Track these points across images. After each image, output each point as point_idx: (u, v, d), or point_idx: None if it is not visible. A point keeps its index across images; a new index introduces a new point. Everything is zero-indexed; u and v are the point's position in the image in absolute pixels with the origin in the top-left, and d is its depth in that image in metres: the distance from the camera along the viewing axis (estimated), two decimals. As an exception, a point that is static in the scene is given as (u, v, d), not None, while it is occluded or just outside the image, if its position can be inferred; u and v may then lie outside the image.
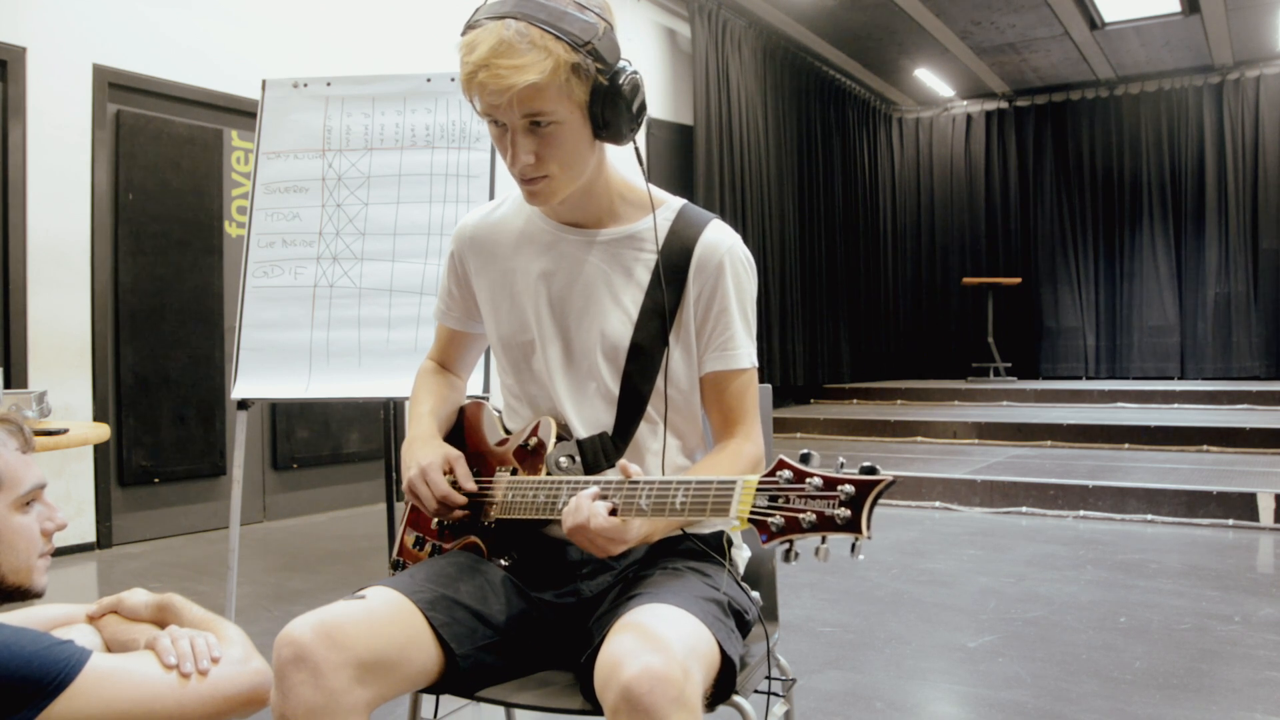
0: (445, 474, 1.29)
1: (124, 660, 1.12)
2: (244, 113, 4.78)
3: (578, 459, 1.29)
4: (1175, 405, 7.77)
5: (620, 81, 1.18)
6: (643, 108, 1.22)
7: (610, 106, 1.19)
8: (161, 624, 1.23)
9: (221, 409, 4.78)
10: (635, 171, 1.34)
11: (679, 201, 1.36)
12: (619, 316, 1.31)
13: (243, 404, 2.79)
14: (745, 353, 1.32)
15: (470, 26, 1.16)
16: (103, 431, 2.65)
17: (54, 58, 4.19)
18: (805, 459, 0.96)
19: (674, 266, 1.29)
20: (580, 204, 1.31)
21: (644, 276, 1.30)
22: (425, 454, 1.30)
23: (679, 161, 7.65)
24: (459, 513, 1.29)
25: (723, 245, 1.31)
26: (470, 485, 1.29)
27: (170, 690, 1.09)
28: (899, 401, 8.89)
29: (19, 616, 1.24)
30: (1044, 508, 4.92)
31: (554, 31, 1.13)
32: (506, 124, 1.18)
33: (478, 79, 1.13)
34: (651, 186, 1.32)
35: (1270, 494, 4.47)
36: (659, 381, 1.30)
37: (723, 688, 1.12)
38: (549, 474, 1.27)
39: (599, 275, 1.31)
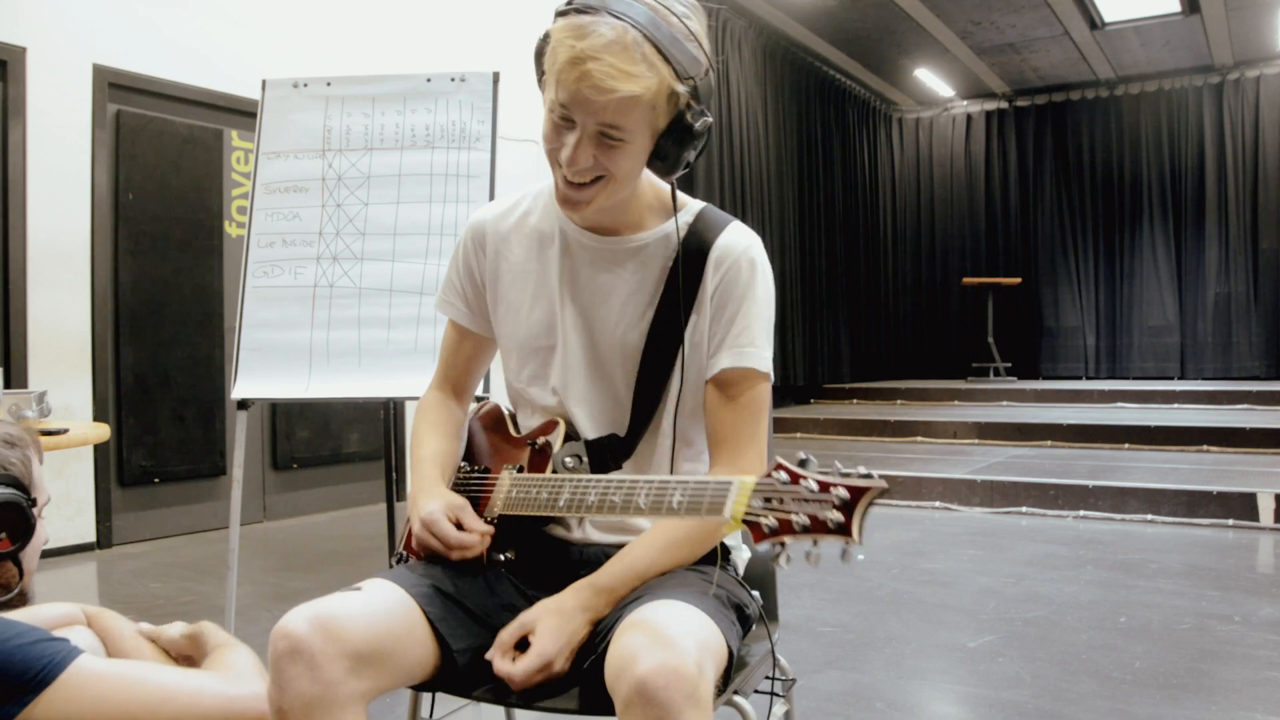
0: (452, 522, 1.24)
1: (116, 663, 1.11)
2: (244, 113, 4.78)
3: (585, 459, 1.29)
4: (1175, 405, 7.77)
5: (698, 124, 1.17)
6: (701, 150, 1.21)
7: (678, 143, 1.18)
8: (194, 654, 1.25)
9: (221, 409, 4.78)
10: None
11: (699, 204, 1.34)
12: (636, 321, 1.30)
13: (243, 404, 2.79)
14: (759, 354, 1.28)
15: (580, 10, 1.12)
16: (103, 431, 2.65)
17: (54, 58, 4.19)
18: (803, 463, 0.96)
19: (691, 267, 1.28)
20: (612, 213, 1.29)
21: (662, 280, 1.29)
22: (426, 505, 1.24)
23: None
24: (477, 551, 1.24)
25: (739, 246, 1.29)
26: (479, 527, 1.23)
27: (163, 700, 1.07)
28: (899, 401, 8.88)
29: (16, 617, 1.24)
30: (1044, 508, 4.92)
31: (666, 54, 1.12)
32: (576, 122, 1.15)
33: (585, 67, 1.09)
34: (677, 192, 1.31)
35: (1270, 494, 4.47)
36: (672, 385, 1.29)
37: (723, 682, 1.12)
38: (554, 473, 1.27)
39: (621, 282, 1.30)
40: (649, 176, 1.31)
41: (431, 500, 1.25)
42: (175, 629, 1.28)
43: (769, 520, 0.95)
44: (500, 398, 1.52)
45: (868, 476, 0.92)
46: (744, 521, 0.96)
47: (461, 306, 1.42)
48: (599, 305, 1.31)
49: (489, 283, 1.39)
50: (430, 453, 1.35)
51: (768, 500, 0.95)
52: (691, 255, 1.28)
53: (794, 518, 0.93)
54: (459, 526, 1.23)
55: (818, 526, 0.92)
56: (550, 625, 1.15)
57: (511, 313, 1.37)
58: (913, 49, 9.18)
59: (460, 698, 1.21)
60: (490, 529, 1.24)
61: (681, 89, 1.14)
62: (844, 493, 0.91)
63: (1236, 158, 9.37)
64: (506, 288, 1.37)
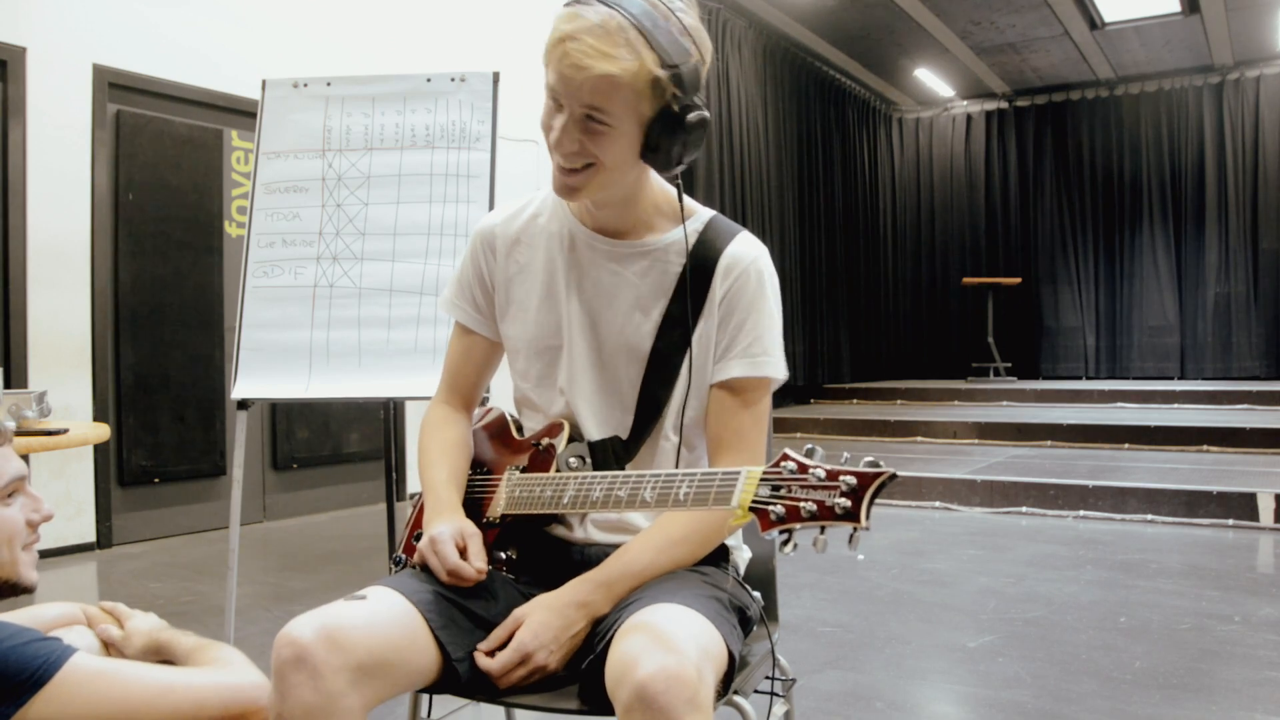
0: (458, 549, 1.23)
1: (111, 661, 1.10)
2: (244, 113, 4.78)
3: (588, 459, 1.30)
4: (1175, 405, 7.77)
5: (688, 115, 1.18)
6: (696, 146, 1.21)
7: (667, 134, 1.18)
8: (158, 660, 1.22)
9: (221, 409, 4.78)
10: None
11: (709, 213, 1.35)
12: (643, 324, 1.30)
13: (243, 404, 2.79)
14: (773, 362, 1.29)
15: (579, 1, 1.17)
16: (103, 431, 2.65)
17: (54, 58, 4.19)
18: (809, 453, 0.97)
19: (699, 275, 1.29)
20: (618, 214, 1.30)
21: (670, 286, 1.30)
22: (438, 525, 1.24)
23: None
24: (469, 583, 1.23)
25: (747, 256, 1.29)
26: (481, 564, 1.22)
27: (161, 694, 1.07)
28: (899, 401, 8.89)
29: (17, 617, 1.24)
30: (1044, 508, 4.92)
31: (650, 41, 1.14)
32: (564, 106, 1.17)
33: (565, 47, 1.13)
34: (686, 198, 1.31)
35: (1270, 494, 4.47)
36: (677, 390, 1.30)
37: (724, 685, 1.12)
38: (558, 472, 1.28)
39: (627, 284, 1.31)
40: (657, 181, 1.32)
41: (445, 523, 1.24)
42: (145, 622, 1.25)
43: (777, 508, 0.96)
44: (501, 402, 1.53)
45: (875, 464, 0.94)
46: (751, 509, 0.97)
47: (470, 310, 1.42)
48: (605, 306, 1.32)
49: (499, 286, 1.39)
50: (445, 474, 1.34)
51: (775, 489, 0.97)
52: (700, 263, 1.29)
53: (802, 505, 0.95)
54: (463, 552, 1.22)
55: (825, 513, 0.94)
56: (536, 620, 1.16)
57: (520, 312, 1.37)
58: (913, 49, 9.18)
59: (461, 698, 1.21)
60: (484, 570, 1.22)
61: (662, 73, 1.14)
62: (852, 480, 0.93)
63: (1236, 158, 9.37)
64: (516, 289, 1.38)
